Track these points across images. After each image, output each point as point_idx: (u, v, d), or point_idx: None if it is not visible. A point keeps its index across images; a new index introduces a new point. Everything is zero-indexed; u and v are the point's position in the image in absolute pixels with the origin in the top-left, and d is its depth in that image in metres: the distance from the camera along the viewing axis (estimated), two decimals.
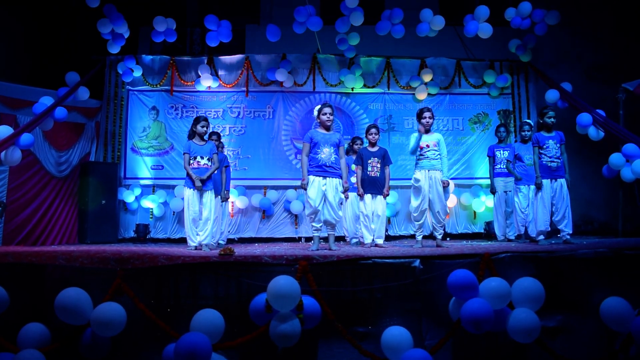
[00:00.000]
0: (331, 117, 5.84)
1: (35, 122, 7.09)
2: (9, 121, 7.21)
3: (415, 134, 6.24)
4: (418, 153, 6.24)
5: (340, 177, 5.81)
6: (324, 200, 5.71)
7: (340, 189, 5.82)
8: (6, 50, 8.09)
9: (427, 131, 6.25)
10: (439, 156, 6.20)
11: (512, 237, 7.42)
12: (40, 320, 3.97)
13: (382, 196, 6.67)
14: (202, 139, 6.29)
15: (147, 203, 9.05)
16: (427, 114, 6.24)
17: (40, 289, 4.30)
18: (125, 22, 8.21)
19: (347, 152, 7.60)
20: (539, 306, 3.99)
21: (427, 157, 6.18)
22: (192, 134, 6.27)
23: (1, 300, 3.92)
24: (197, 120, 6.29)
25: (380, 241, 6.61)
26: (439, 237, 6.22)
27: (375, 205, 6.63)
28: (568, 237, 6.29)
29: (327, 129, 5.85)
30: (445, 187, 6.14)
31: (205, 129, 6.27)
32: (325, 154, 5.73)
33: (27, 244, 7.43)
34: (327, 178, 5.72)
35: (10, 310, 3.99)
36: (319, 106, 5.90)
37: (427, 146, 6.19)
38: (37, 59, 8.76)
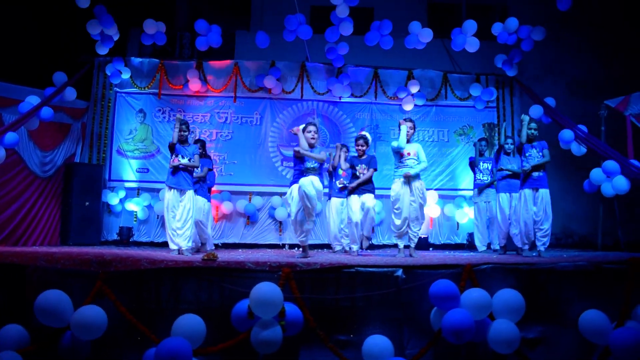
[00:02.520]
0: (315, 135, 5.87)
1: (21, 121, 7.02)
2: None
3: (404, 127, 6.27)
4: (397, 161, 6.28)
5: (320, 175, 5.80)
6: (303, 198, 5.64)
7: (319, 185, 5.76)
8: None
9: (408, 141, 6.29)
10: (418, 164, 6.24)
11: (497, 247, 7.41)
12: (20, 322, 3.91)
13: (369, 194, 6.51)
14: (184, 142, 6.29)
15: (132, 206, 8.97)
16: (408, 124, 6.31)
17: (20, 290, 4.24)
18: (115, 23, 8.16)
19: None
20: (519, 317, 4.03)
21: (407, 166, 6.22)
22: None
23: None
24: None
25: (365, 242, 6.52)
26: (412, 246, 6.23)
27: (363, 200, 6.50)
28: (542, 248, 6.26)
29: (311, 146, 5.86)
30: (405, 177, 6.13)
31: (184, 133, 6.26)
32: (309, 165, 5.75)
33: (8, 244, 7.31)
34: (308, 176, 5.69)
35: None
36: (304, 124, 5.95)
37: (409, 154, 6.24)
38: (25, 57, 8.67)
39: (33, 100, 7.25)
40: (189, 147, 6.28)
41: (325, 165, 7.12)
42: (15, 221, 7.57)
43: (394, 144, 6.32)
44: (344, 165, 7.05)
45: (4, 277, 4.28)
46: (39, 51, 8.90)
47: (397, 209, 6.22)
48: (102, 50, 8.52)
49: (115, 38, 8.43)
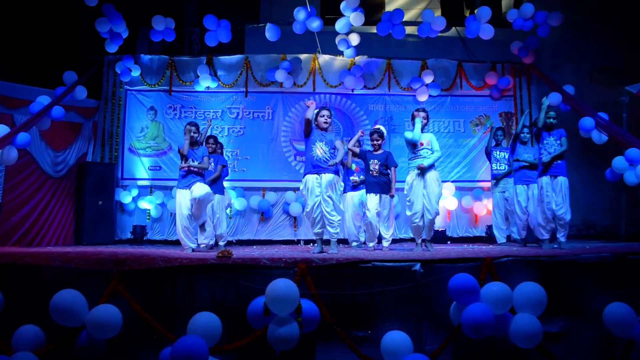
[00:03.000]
0: (329, 120, 5.76)
1: (32, 121, 7.08)
2: (6, 120, 7.20)
3: (419, 119, 6.22)
4: (411, 152, 6.23)
5: (336, 173, 5.72)
6: (321, 199, 5.57)
7: (339, 186, 5.73)
8: (3, 49, 8.08)
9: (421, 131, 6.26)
10: (431, 155, 6.18)
11: (518, 239, 7.33)
12: (35, 322, 3.94)
13: (387, 195, 6.56)
14: (194, 144, 6.30)
15: (145, 204, 9.03)
16: (422, 113, 6.26)
17: (35, 290, 4.28)
18: (124, 21, 8.21)
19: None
20: (541, 311, 3.98)
21: (421, 156, 6.15)
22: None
23: None
24: (189, 124, 6.33)
25: (386, 244, 6.56)
26: (429, 239, 6.19)
27: (381, 206, 6.53)
28: (563, 240, 6.18)
29: (324, 130, 5.79)
30: (419, 169, 6.08)
31: (194, 135, 6.28)
32: (320, 151, 5.63)
33: (22, 244, 7.41)
34: (322, 174, 5.61)
35: (5, 311, 3.97)
36: (317, 109, 5.87)
37: (422, 144, 6.19)
38: (34, 58, 8.74)
39: (44, 100, 7.32)
40: (198, 150, 6.29)
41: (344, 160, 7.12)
42: (29, 222, 7.67)
43: (408, 135, 6.27)
44: (350, 162, 7.09)
45: (19, 278, 4.33)
46: (49, 51, 8.95)
47: (409, 202, 6.18)
48: (112, 49, 8.58)
49: (125, 35, 8.48)
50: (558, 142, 6.31)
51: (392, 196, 6.62)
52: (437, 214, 6.19)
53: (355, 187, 7.18)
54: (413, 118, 6.31)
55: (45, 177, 7.99)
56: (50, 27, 8.95)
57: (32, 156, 7.73)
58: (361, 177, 7.03)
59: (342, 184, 5.84)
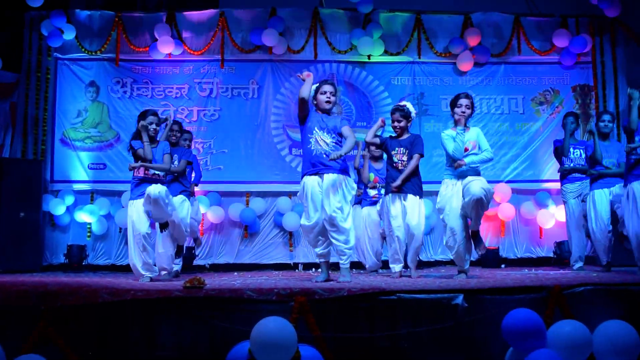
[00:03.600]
0: (332, 98, 5.75)
1: None
2: None
3: (448, 133, 6.19)
4: (449, 160, 6.18)
5: (343, 171, 5.68)
6: (322, 209, 5.56)
7: (350, 188, 5.70)
8: None
9: (465, 126, 6.20)
10: (478, 155, 6.15)
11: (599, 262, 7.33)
12: None
13: (415, 196, 6.36)
14: (153, 140, 6.30)
15: (84, 216, 9.06)
16: (463, 101, 6.18)
17: None
18: None
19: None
20: (634, 359, 3.99)
21: (465, 167, 6.10)
22: (137, 134, 6.28)
23: None
24: (142, 116, 6.30)
25: (413, 271, 6.53)
26: (472, 260, 6.20)
27: (408, 210, 6.43)
28: None
29: (325, 111, 5.79)
30: (457, 167, 6.03)
31: (157, 127, 6.30)
32: (321, 143, 5.64)
33: None
34: (324, 174, 5.65)
35: None
36: (317, 83, 5.86)
37: (466, 149, 6.11)
38: None
39: None
40: (157, 148, 6.28)
41: (354, 152, 7.11)
42: None
43: (448, 145, 6.17)
44: (365, 176, 7.15)
45: None
46: None
47: (442, 218, 6.18)
48: (36, 2, 8.57)
49: None
50: None
51: (396, 188, 6.41)
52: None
53: (375, 202, 7.25)
54: (452, 105, 6.22)
55: None
56: None
57: None
58: (382, 191, 7.05)
59: (355, 185, 5.79)
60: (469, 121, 6.27)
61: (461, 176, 6.01)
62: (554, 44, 9.73)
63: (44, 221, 9.12)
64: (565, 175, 7.55)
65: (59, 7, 9.25)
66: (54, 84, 9.48)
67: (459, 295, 4.35)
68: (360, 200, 7.57)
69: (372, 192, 7.35)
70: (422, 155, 6.41)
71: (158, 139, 6.42)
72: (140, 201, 6.08)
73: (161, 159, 6.25)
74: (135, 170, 6.11)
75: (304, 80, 5.69)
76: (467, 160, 5.98)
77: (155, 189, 5.94)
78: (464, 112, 6.12)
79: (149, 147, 6.10)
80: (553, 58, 9.84)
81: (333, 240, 5.54)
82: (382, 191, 7.02)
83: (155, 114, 6.32)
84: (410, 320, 4.32)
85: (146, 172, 6.10)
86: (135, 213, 6.10)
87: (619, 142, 6.89)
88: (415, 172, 6.38)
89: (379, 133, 6.68)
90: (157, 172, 6.16)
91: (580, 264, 7.54)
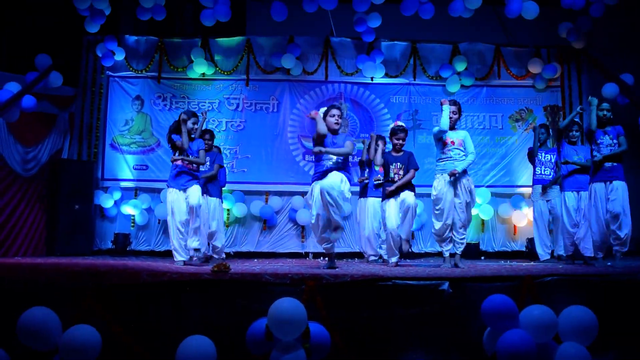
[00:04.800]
0: (340, 120, 5.81)
1: None
2: None
3: (446, 106, 6.16)
4: (440, 151, 6.19)
5: (345, 171, 5.67)
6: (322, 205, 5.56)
7: (346, 184, 5.66)
8: None
9: (452, 128, 6.21)
10: (464, 157, 6.15)
11: (563, 255, 7.28)
12: (0, 345, 3.97)
13: (409, 192, 6.35)
14: (190, 137, 6.31)
15: (128, 209, 9.10)
16: (452, 107, 6.20)
17: (0, 307, 4.31)
18: None
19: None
20: (591, 340, 3.96)
21: (451, 158, 6.10)
22: (176, 128, 6.28)
23: None
24: (185, 114, 6.32)
25: (405, 245, 6.42)
26: (459, 253, 6.17)
27: (403, 197, 6.37)
28: (619, 256, 6.11)
29: (334, 132, 5.81)
30: (451, 176, 6.02)
31: (195, 125, 6.33)
32: (332, 159, 5.68)
33: None
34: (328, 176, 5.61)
35: None
36: (326, 107, 5.89)
37: (452, 143, 6.12)
38: (3, 39, 8.82)
39: (13, 87, 7.36)
40: (193, 144, 6.31)
41: (355, 159, 7.09)
42: None
43: (435, 129, 6.24)
44: (380, 160, 6.84)
45: None
46: (19, 31, 9.02)
47: (438, 210, 6.16)
48: (92, 28, 8.59)
49: (107, 13, 8.47)
50: (615, 141, 6.22)
51: (391, 193, 6.38)
52: (468, 225, 6.26)
53: (377, 188, 7.09)
54: (441, 105, 6.24)
55: (13, 176, 8.03)
56: (21, 3, 9.02)
57: None
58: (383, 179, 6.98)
59: (349, 184, 5.73)
60: (457, 125, 6.28)
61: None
62: (529, 70, 9.70)
63: (95, 213, 9.16)
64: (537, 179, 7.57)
65: (112, 33, 9.29)
66: (105, 97, 9.53)
67: (445, 282, 4.34)
68: (366, 189, 7.47)
69: (375, 182, 7.14)
70: (417, 169, 6.47)
71: (194, 135, 6.46)
72: (180, 193, 6.08)
73: (196, 152, 6.27)
74: (173, 158, 6.18)
75: (313, 118, 5.77)
76: (458, 168, 6.03)
77: (196, 197, 6.00)
78: (451, 118, 6.13)
79: (187, 138, 6.16)
80: (528, 82, 9.80)
81: (329, 208, 5.48)
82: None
83: (193, 113, 6.37)
84: (403, 303, 4.30)
85: (184, 164, 6.13)
86: (176, 201, 6.10)
87: (584, 144, 6.90)
88: (410, 181, 6.43)
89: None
90: (193, 164, 6.20)
91: (547, 256, 7.49)
